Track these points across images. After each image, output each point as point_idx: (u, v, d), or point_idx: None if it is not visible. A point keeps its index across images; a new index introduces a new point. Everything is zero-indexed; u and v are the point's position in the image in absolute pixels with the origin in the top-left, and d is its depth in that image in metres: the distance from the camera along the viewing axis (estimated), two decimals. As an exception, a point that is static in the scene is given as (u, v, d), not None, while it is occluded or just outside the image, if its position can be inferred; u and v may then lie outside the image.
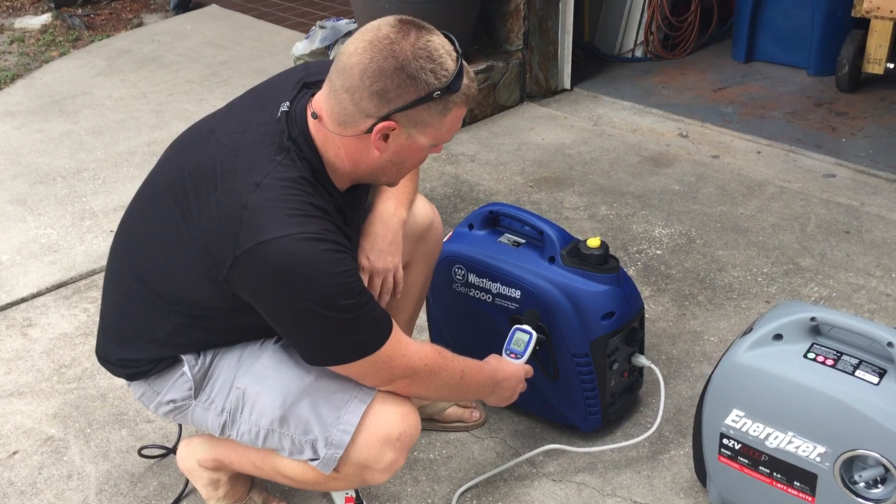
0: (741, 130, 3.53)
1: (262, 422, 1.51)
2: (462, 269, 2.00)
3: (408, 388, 1.53)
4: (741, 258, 2.65)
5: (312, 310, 1.37)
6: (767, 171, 3.19)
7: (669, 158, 3.32)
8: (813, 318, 1.62)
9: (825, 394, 1.58)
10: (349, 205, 1.52)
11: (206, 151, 1.46)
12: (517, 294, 1.92)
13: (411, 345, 1.51)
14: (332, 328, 1.40)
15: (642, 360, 1.98)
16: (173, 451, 1.95)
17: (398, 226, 1.68)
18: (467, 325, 2.08)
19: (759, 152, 3.35)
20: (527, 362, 1.80)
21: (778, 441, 1.64)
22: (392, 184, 1.53)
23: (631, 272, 2.60)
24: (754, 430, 1.66)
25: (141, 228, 1.54)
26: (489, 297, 1.97)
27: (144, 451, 1.97)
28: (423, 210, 1.85)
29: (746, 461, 1.70)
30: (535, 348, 1.82)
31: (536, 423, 2.06)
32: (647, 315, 1.95)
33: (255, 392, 1.51)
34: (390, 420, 1.50)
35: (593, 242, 1.90)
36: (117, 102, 4.03)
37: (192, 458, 1.79)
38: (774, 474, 1.67)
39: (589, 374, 1.92)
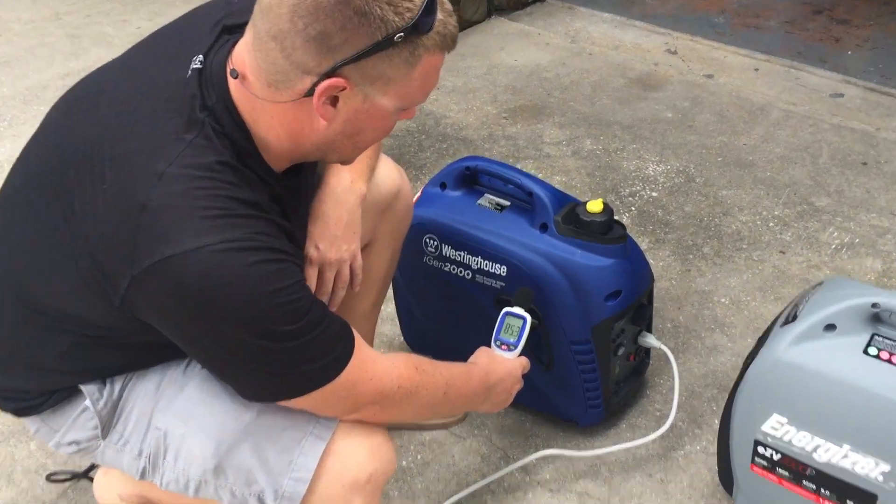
0: (735, 44, 3.16)
1: (191, 471, 1.17)
2: (434, 240, 1.65)
3: (378, 416, 1.20)
4: (748, 199, 2.33)
5: (244, 341, 1.02)
6: (769, 91, 2.85)
7: (658, 80, 2.95)
8: (875, 305, 1.31)
9: (891, 399, 1.28)
10: (291, 191, 1.15)
11: (93, 123, 1.08)
12: (502, 270, 1.59)
13: (380, 363, 1.17)
14: (273, 360, 1.05)
15: (651, 341, 1.67)
16: (87, 476, 1.61)
17: (356, 204, 1.32)
18: (443, 305, 1.75)
19: (757, 69, 2.99)
20: (521, 352, 1.48)
21: (829, 454, 1.35)
22: (347, 161, 1.17)
23: (625, 220, 2.27)
24: (799, 440, 1.37)
25: (14, 222, 1.16)
26: (468, 274, 1.63)
27: (53, 477, 1.63)
28: (388, 175, 1.48)
29: (787, 474, 1.41)
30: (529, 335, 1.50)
31: (527, 415, 1.75)
32: (647, 274, 1.66)
33: (180, 435, 1.17)
34: (357, 458, 1.18)
35: (594, 206, 1.55)
36: (27, 27, 3.53)
37: (111, 490, 1.46)
38: (822, 490, 1.39)
39: (590, 364, 1.61)
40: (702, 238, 2.20)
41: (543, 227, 1.57)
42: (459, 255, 1.62)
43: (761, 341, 1.43)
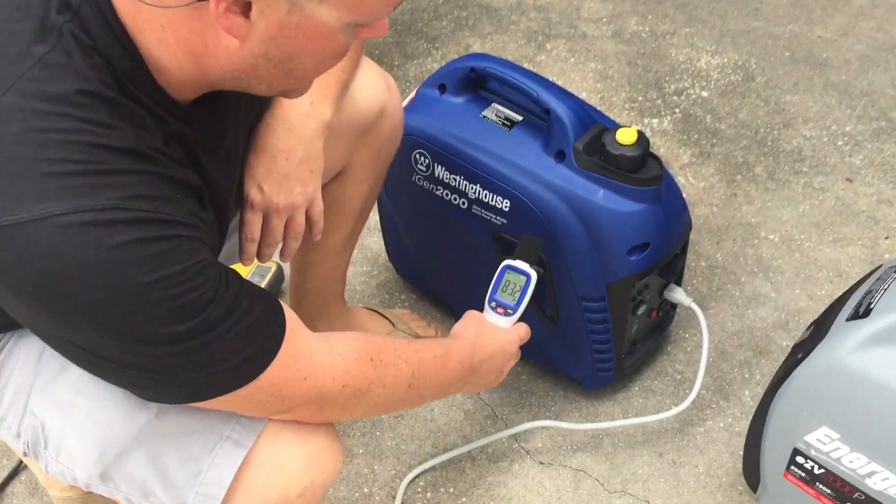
0: None
1: (76, 472, 0.93)
2: (426, 157, 1.34)
3: (317, 416, 0.94)
4: (816, 108, 1.96)
5: (111, 346, 0.75)
6: (855, -30, 2.40)
7: (725, -54, 2.50)
8: (977, 310, 1.00)
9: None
10: (203, 125, 0.84)
11: None
12: (505, 205, 1.28)
13: (320, 357, 0.90)
14: (159, 366, 0.78)
15: (680, 297, 1.37)
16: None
17: (315, 133, 1.01)
18: (433, 234, 1.45)
19: (843, -59, 2.53)
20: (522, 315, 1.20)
21: (890, 486, 1.08)
22: (288, 94, 0.85)
23: (665, 125, 1.92)
24: (851, 461, 1.10)
25: None
26: (464, 203, 1.33)
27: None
28: (370, 89, 1.16)
29: (829, 491, 1.15)
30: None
31: (524, 367, 1.49)
32: (683, 193, 1.33)
33: (59, 429, 0.92)
34: (288, 469, 0.93)
35: (627, 135, 1.22)
36: None
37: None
38: (870, 519, 1.13)
39: (602, 324, 1.33)
40: (755, 154, 1.86)
41: (560, 156, 1.25)
42: (454, 181, 1.32)
43: (819, 329, 1.13)
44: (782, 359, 1.45)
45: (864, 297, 1.10)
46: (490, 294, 1.21)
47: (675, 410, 1.33)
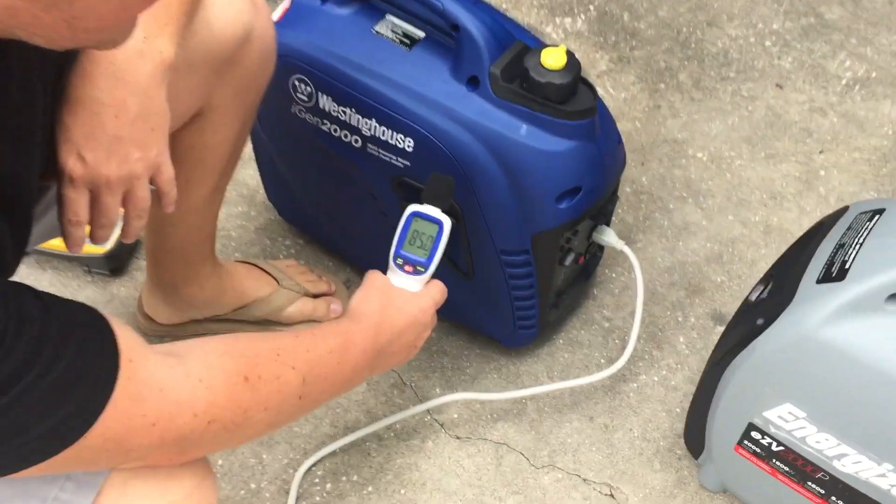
0: None
1: None
2: (307, 85, 1.08)
3: (178, 458, 0.72)
4: (741, 3, 1.77)
5: None
6: None
7: None
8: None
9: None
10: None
11: None
12: (408, 144, 1.05)
13: (173, 390, 0.67)
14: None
15: (612, 240, 1.18)
16: None
17: (153, 79, 0.75)
18: (320, 174, 1.21)
19: None
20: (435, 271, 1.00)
21: (860, 468, 0.94)
22: (97, 46, 0.58)
23: (579, 25, 1.70)
24: (818, 442, 0.96)
25: None
26: (356, 141, 1.09)
27: None
28: (230, 5, 0.88)
29: (786, 469, 1.02)
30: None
31: (440, 327, 1.29)
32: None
33: None
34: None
35: (554, 56, 1.00)
36: None
37: None
38: (833, 499, 1.00)
39: (525, 279, 1.13)
40: (678, 59, 1.66)
41: (473, 83, 1.02)
42: (344, 114, 1.07)
43: (781, 290, 0.97)
44: (717, 298, 1.31)
45: (835, 253, 0.94)
46: (395, 249, 0.99)
47: (607, 371, 1.17)
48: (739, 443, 1.04)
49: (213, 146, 0.97)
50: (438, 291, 0.99)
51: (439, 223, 0.99)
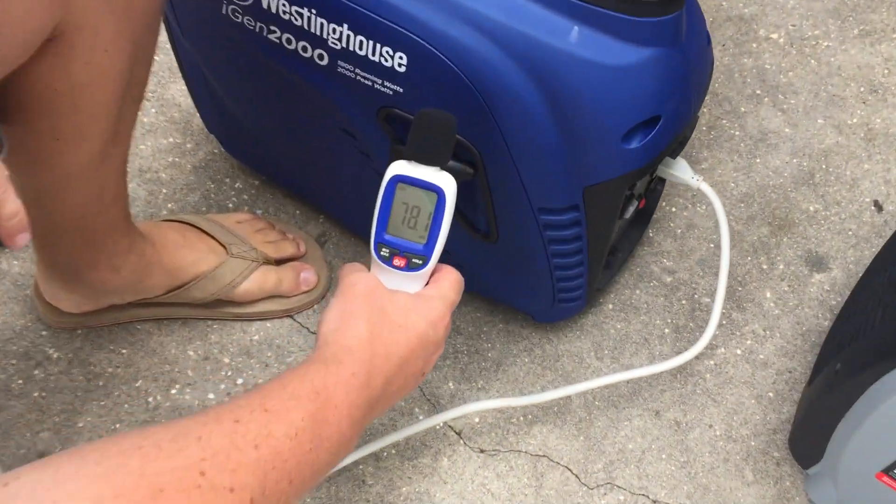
0: None
1: None
2: (240, -27, 0.71)
3: None
4: None
5: None
6: None
7: None
8: None
9: None
10: None
11: None
12: (399, 61, 0.69)
13: None
14: None
15: (684, 175, 0.84)
16: None
17: None
18: (269, 103, 0.85)
19: None
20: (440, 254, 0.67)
21: None
22: None
23: None
24: None
25: None
26: (322, 57, 0.72)
27: None
28: None
29: (956, 511, 0.73)
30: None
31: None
32: None
33: None
34: None
35: (622, -84, 0.63)
36: None
37: None
38: None
39: (572, 242, 0.80)
40: None
41: (496, -36, 0.66)
42: (299, 17, 0.71)
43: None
44: (811, 234, 0.99)
45: None
46: (375, 233, 0.66)
47: (684, 357, 0.86)
48: (888, 471, 0.74)
49: (88, 85, 0.61)
50: (451, 287, 0.67)
51: (437, 190, 0.65)
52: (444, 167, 0.66)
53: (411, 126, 0.65)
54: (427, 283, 0.67)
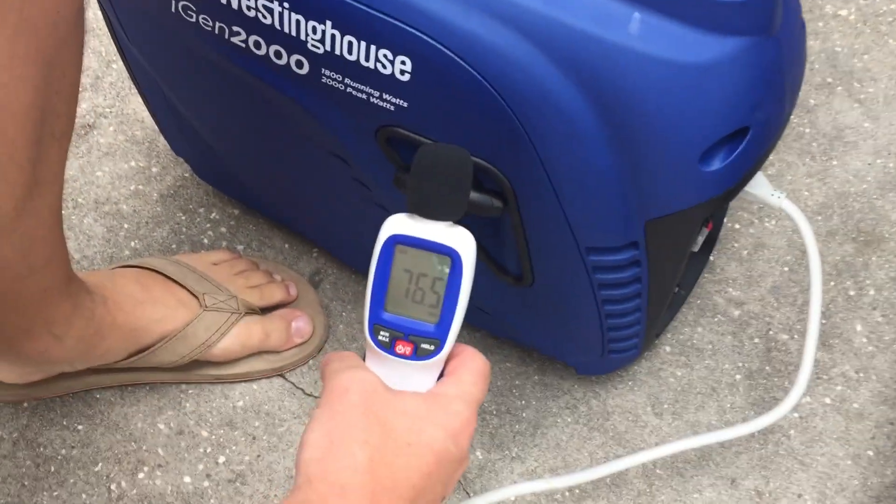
0: None
1: None
2: (189, -42, 0.54)
3: None
4: None
5: None
6: None
7: None
8: None
9: None
10: None
11: None
12: (401, 67, 0.52)
13: None
14: None
15: (762, 193, 0.67)
16: None
17: None
18: (239, 122, 0.69)
19: None
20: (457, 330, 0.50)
21: None
22: None
23: None
24: None
25: None
26: (301, 65, 0.55)
27: None
28: None
29: None
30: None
31: (475, 343, 0.80)
32: None
33: None
34: None
35: None
36: None
37: None
38: None
39: (628, 286, 0.63)
40: None
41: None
42: (269, 13, 0.54)
43: None
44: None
45: None
46: (371, 311, 0.50)
47: (768, 418, 0.69)
48: None
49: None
50: (475, 380, 0.50)
51: (451, 253, 0.48)
52: (456, 219, 0.49)
53: (411, 170, 0.49)
54: (441, 374, 0.51)
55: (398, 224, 0.48)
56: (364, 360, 0.50)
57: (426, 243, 0.48)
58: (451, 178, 0.48)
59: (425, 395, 0.48)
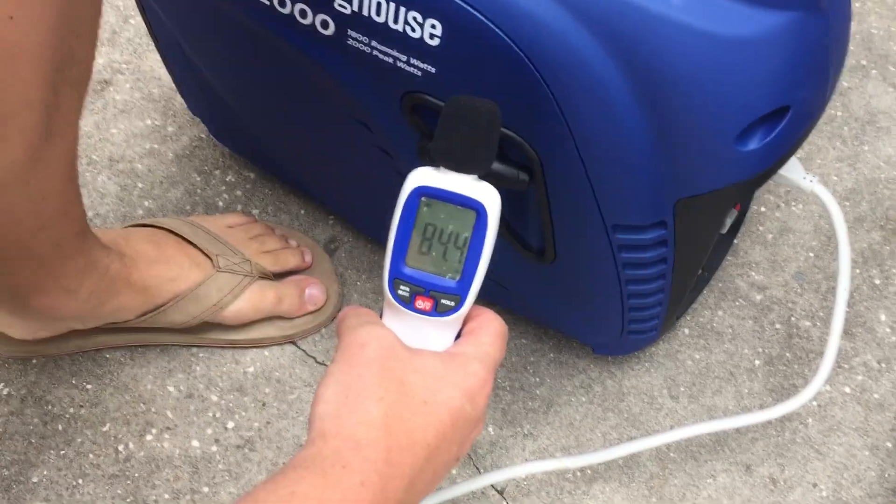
0: None
1: None
2: None
3: None
4: None
5: None
6: None
7: None
8: None
9: None
10: None
11: None
12: (430, 31, 0.50)
13: None
14: None
15: (794, 176, 0.66)
16: None
17: None
18: (260, 83, 0.67)
19: None
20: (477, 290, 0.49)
21: None
22: None
23: None
24: None
25: None
26: (326, 26, 0.54)
27: None
28: None
29: None
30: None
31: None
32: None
33: None
34: None
35: None
36: None
37: None
38: None
39: (653, 266, 0.61)
40: None
41: None
42: (294, -30, 0.52)
43: None
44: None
45: None
46: (392, 264, 0.49)
47: (787, 406, 0.67)
48: None
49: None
50: (494, 341, 0.49)
51: (476, 207, 0.47)
52: (485, 175, 0.48)
53: (439, 120, 0.47)
54: (459, 334, 0.50)
55: (424, 176, 0.47)
56: (381, 317, 0.49)
57: (452, 195, 0.47)
58: (480, 129, 0.46)
59: (443, 354, 0.47)
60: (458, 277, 0.48)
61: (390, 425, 0.43)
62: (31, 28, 0.44)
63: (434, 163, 0.48)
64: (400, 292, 0.49)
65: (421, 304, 0.49)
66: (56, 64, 0.48)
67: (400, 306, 0.49)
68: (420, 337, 0.49)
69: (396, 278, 0.49)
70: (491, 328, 0.50)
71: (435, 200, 0.47)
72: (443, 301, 0.48)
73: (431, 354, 0.47)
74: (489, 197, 0.47)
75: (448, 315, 0.49)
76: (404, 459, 0.43)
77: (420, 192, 0.47)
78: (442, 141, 0.47)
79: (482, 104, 0.46)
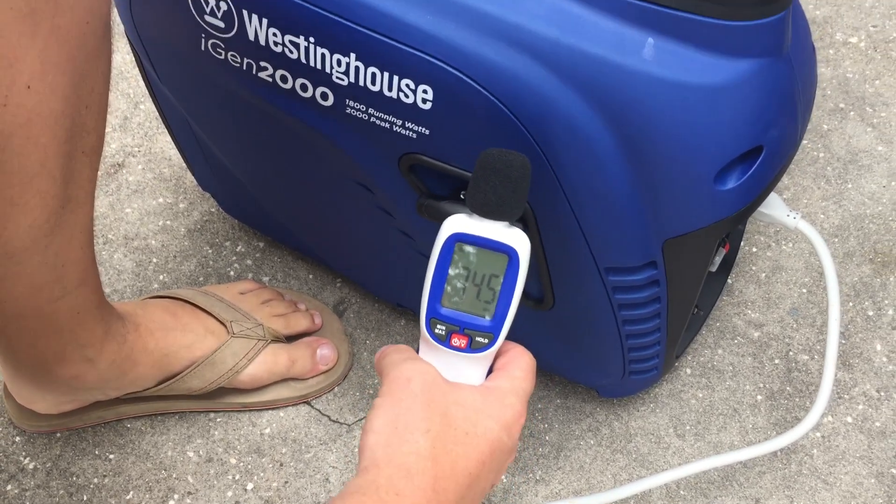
0: None
1: None
2: (223, 1, 0.57)
3: None
4: None
5: None
6: None
7: None
8: None
9: None
10: None
11: None
12: (423, 96, 0.54)
13: None
14: None
15: (778, 213, 0.69)
16: None
17: None
18: (264, 154, 0.71)
19: None
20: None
21: None
22: None
23: None
24: None
25: None
26: (325, 97, 0.58)
27: None
28: None
29: None
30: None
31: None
32: None
33: None
34: None
35: None
36: None
37: None
38: None
39: (648, 306, 0.64)
40: None
41: (545, -38, 0.51)
42: (295, 48, 0.56)
43: None
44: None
45: None
46: (429, 305, 0.52)
47: (793, 434, 0.69)
48: None
49: (11, 136, 0.47)
50: (525, 375, 0.53)
51: (509, 251, 0.50)
52: (513, 220, 0.51)
53: (474, 171, 0.50)
54: (491, 368, 0.53)
55: (460, 223, 0.50)
56: (417, 353, 0.53)
57: (487, 241, 0.50)
58: (512, 180, 0.49)
59: (480, 387, 0.50)
60: (490, 317, 0.51)
61: (437, 455, 0.46)
62: (47, 97, 0.48)
63: (468, 211, 0.51)
64: (437, 331, 0.52)
65: (456, 341, 0.52)
66: (70, 132, 0.52)
67: (437, 344, 0.52)
68: (455, 372, 0.52)
69: (433, 318, 0.52)
70: (522, 362, 0.53)
71: (470, 246, 0.51)
72: (477, 339, 0.52)
73: (470, 388, 0.51)
74: (520, 242, 0.51)
75: (482, 351, 0.52)
76: (449, 486, 0.47)
77: (456, 238, 0.51)
78: (476, 190, 0.50)
79: (514, 157, 0.50)
